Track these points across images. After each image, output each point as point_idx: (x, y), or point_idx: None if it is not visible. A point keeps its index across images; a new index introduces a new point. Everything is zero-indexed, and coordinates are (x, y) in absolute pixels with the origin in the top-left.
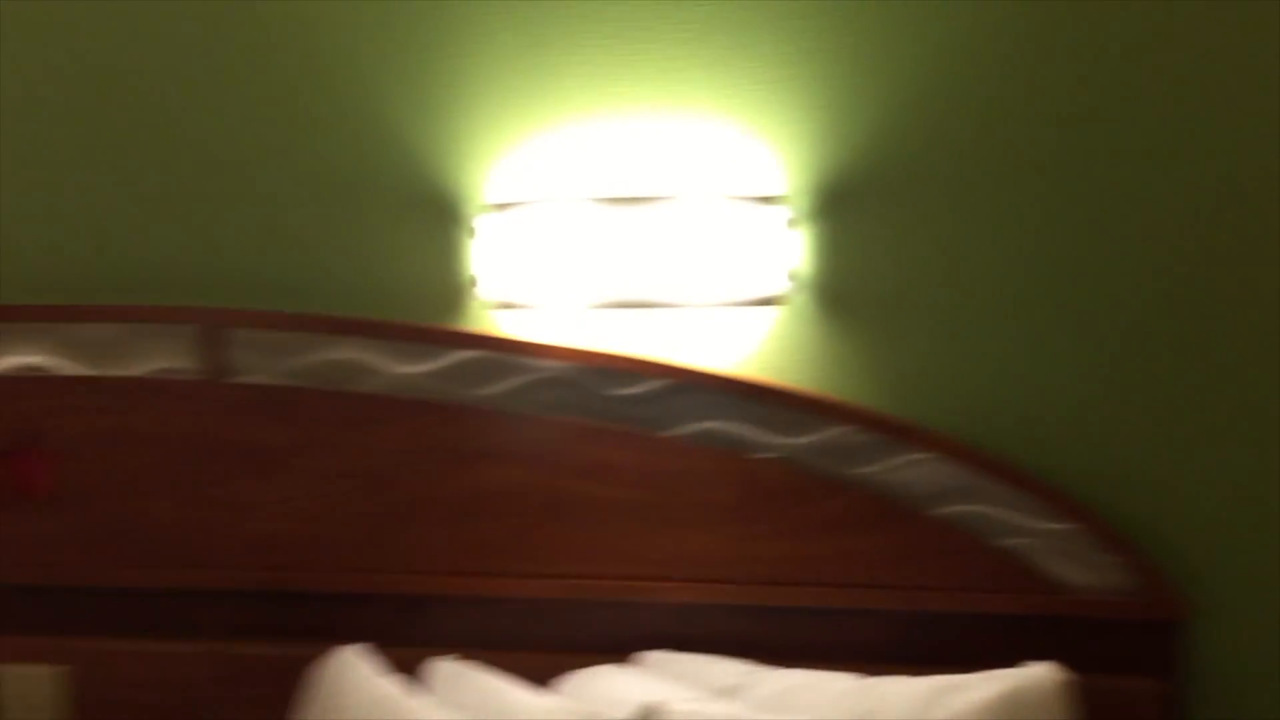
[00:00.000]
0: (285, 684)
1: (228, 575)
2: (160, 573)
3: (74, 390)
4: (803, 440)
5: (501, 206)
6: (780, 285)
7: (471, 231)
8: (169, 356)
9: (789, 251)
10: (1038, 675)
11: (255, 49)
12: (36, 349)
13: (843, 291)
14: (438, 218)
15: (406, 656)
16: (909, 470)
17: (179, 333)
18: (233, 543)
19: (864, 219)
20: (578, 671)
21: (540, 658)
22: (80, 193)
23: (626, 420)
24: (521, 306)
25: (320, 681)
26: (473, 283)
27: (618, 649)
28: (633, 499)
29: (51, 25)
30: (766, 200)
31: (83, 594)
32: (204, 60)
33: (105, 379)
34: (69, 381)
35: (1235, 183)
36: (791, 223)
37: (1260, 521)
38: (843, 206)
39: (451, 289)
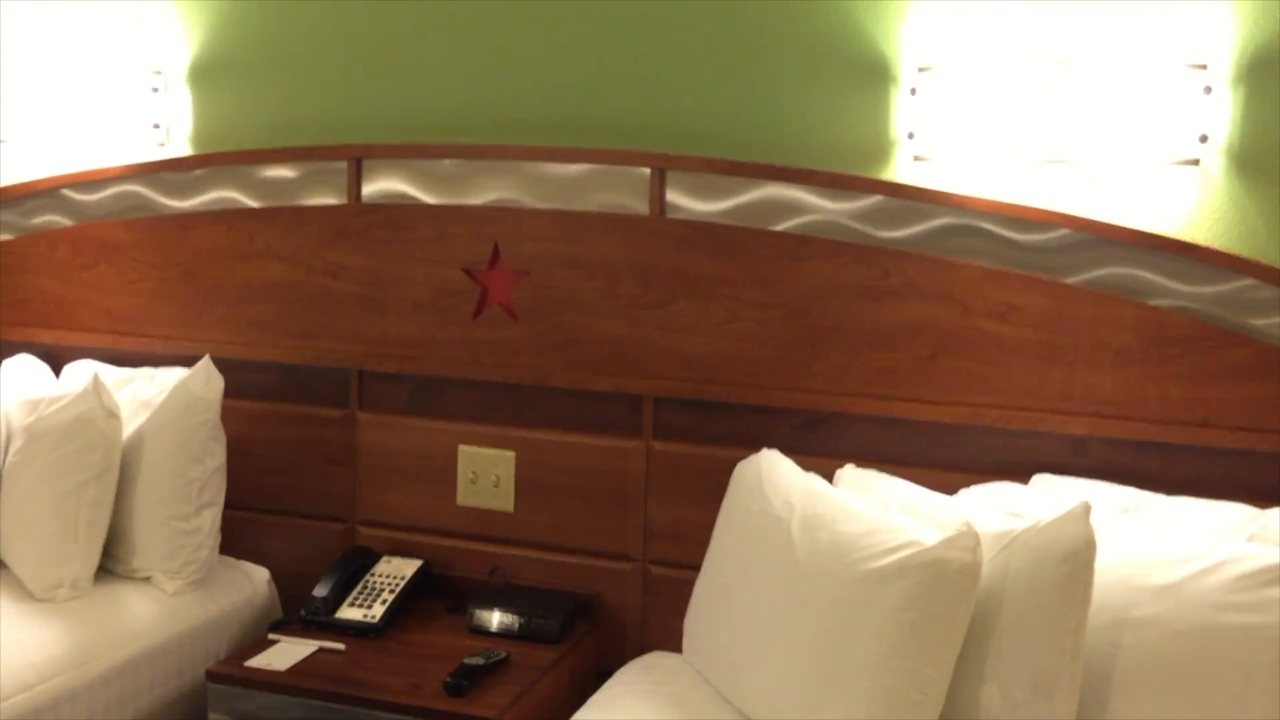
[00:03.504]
0: (703, 479)
1: (660, 385)
2: (601, 379)
3: (538, 220)
4: (1205, 290)
5: (925, 68)
6: (1196, 148)
7: (899, 89)
8: (621, 194)
9: (1209, 116)
10: None
11: None
12: (507, 185)
13: (1259, 156)
14: (869, 76)
15: (812, 465)
16: None
17: (630, 174)
18: (666, 357)
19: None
20: (973, 488)
21: (938, 474)
22: (547, 52)
23: (1032, 266)
24: (943, 159)
25: (746, 475)
26: (899, 136)
27: (1010, 473)
28: (1035, 338)
29: None
30: (1192, 66)
31: (533, 391)
32: None
33: (564, 211)
34: (534, 213)
35: None
36: (1212, 88)
37: None
38: (1267, 73)
39: (880, 142)
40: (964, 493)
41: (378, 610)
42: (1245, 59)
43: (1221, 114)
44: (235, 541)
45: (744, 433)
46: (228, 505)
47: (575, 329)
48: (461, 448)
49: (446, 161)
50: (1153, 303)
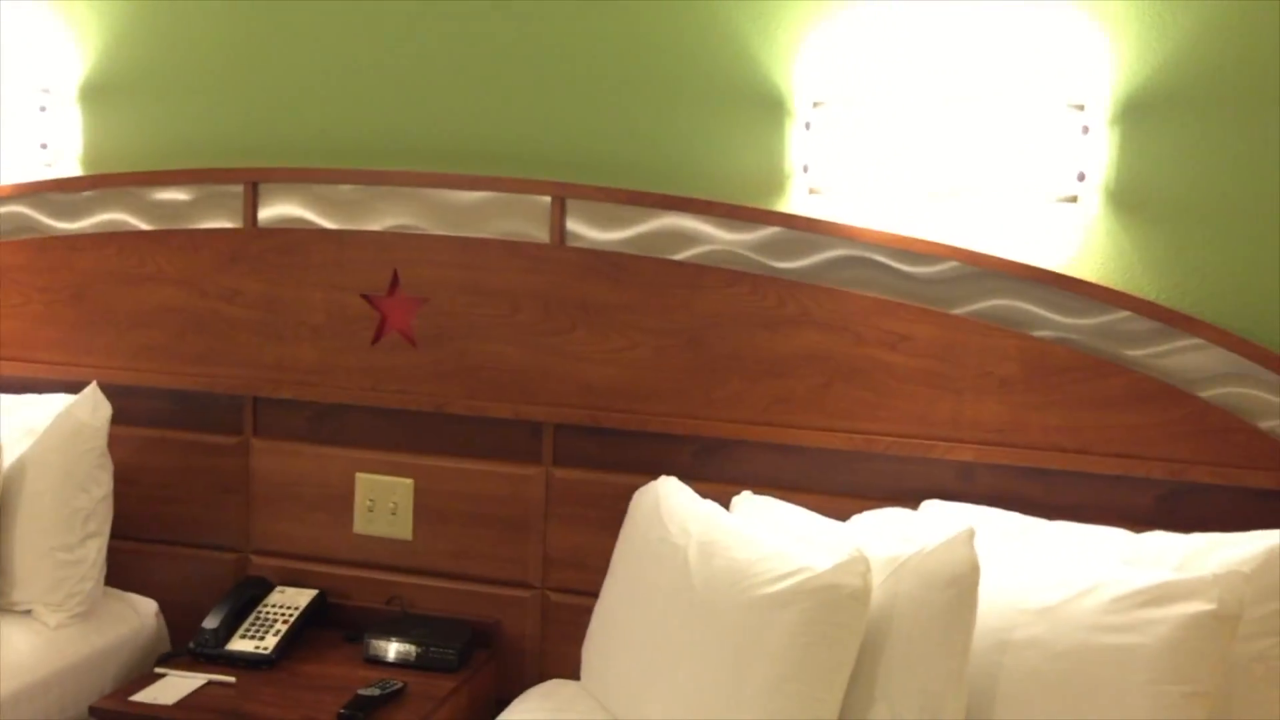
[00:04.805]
0: (602, 506)
1: (559, 412)
2: (501, 405)
3: (438, 247)
4: (1085, 322)
5: (819, 104)
6: (1075, 185)
7: (794, 123)
8: (521, 221)
9: (1087, 155)
10: None
11: None
12: (407, 212)
13: (1133, 193)
14: (764, 110)
15: (708, 491)
16: (1181, 356)
17: (531, 202)
18: (566, 384)
19: (1161, 126)
20: (865, 513)
21: (832, 500)
22: (448, 80)
23: (923, 298)
24: (836, 192)
25: (644, 502)
26: (794, 169)
27: (900, 499)
28: (925, 368)
29: None
30: (1072, 106)
31: (432, 418)
32: None
33: (465, 238)
34: (434, 240)
35: None
36: (1090, 128)
37: None
38: (1141, 114)
39: (776, 174)
40: (856, 518)
41: (270, 641)
42: (1120, 101)
43: (1099, 153)
44: (122, 573)
45: (643, 459)
46: (115, 535)
47: (475, 356)
48: (359, 475)
49: (345, 187)
50: (1036, 334)
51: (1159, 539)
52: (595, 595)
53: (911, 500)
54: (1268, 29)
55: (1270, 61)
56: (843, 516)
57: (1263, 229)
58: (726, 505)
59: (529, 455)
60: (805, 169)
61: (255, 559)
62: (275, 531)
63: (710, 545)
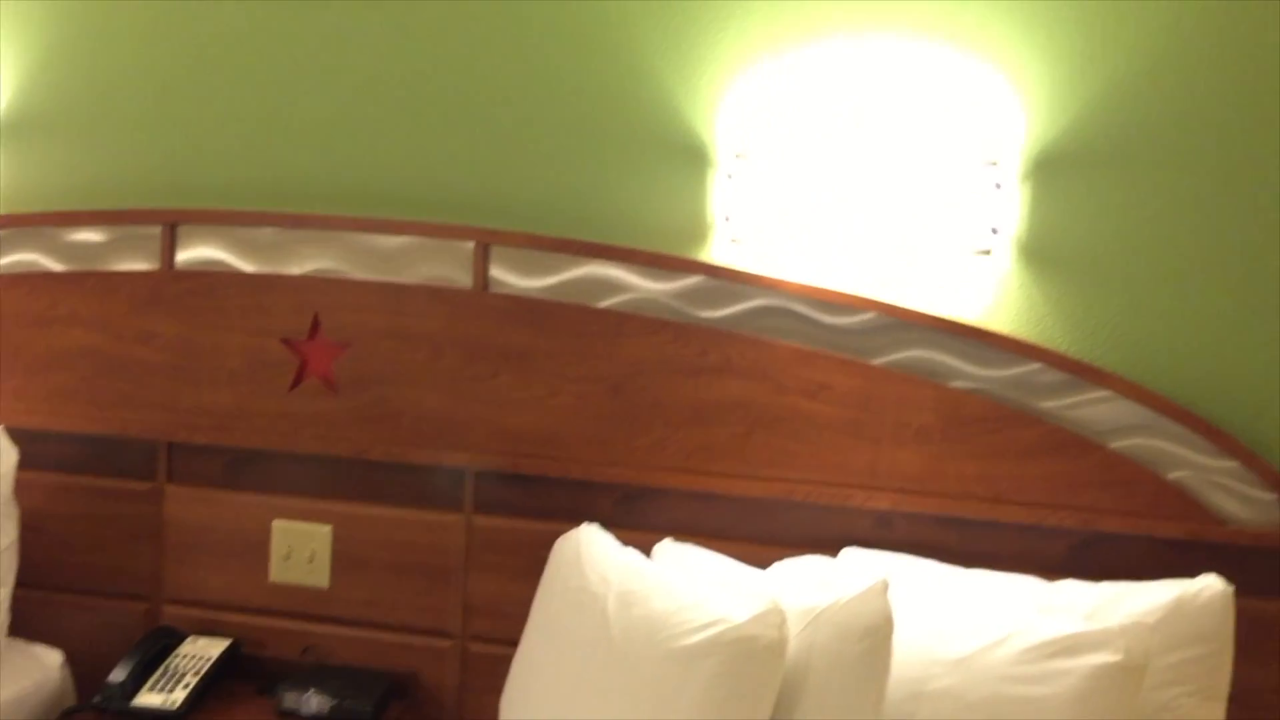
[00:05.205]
0: (524, 554)
1: (481, 458)
2: (422, 452)
3: (360, 291)
4: (999, 374)
5: (741, 155)
6: (989, 239)
7: (716, 173)
8: (444, 267)
9: (1000, 210)
10: (1205, 585)
11: (530, 7)
12: (328, 255)
13: (1045, 247)
14: (687, 160)
15: (631, 539)
16: (1092, 407)
17: (454, 247)
18: (489, 430)
19: (1071, 183)
20: (785, 561)
21: (753, 548)
22: (371, 123)
23: (841, 347)
24: (758, 242)
25: (565, 551)
26: (715, 219)
27: (820, 547)
28: (844, 416)
29: None
30: (986, 163)
31: (352, 464)
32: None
33: (387, 283)
34: (356, 285)
35: None
36: (1002, 185)
37: None
38: (1052, 171)
39: (699, 224)
40: (776, 566)
41: (179, 695)
42: (1032, 158)
43: (1012, 208)
44: (27, 622)
45: (565, 507)
46: (20, 584)
47: (396, 401)
48: (276, 522)
49: (266, 229)
50: (952, 384)
51: (1071, 588)
52: (516, 644)
53: (831, 548)
54: (1173, 90)
55: (1173, 121)
56: (764, 564)
57: (1169, 283)
58: (649, 553)
59: (450, 502)
60: (727, 219)
61: (168, 608)
62: (189, 580)
63: (629, 595)
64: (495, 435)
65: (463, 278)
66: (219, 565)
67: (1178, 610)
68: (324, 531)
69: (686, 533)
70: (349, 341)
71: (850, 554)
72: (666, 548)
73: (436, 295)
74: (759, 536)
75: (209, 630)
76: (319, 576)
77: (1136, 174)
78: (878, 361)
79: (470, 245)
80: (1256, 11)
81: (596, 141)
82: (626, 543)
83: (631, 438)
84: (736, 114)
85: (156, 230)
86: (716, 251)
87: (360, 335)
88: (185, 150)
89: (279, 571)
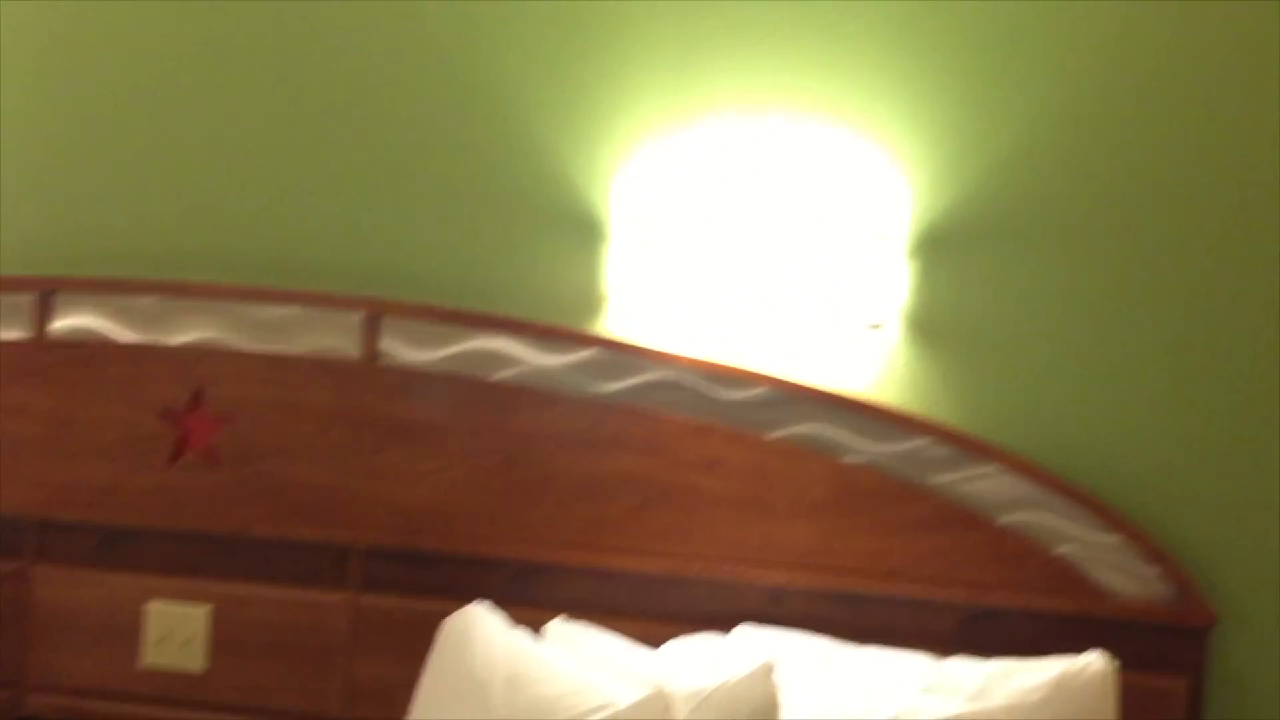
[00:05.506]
0: (412, 635)
1: (369, 534)
2: (308, 528)
3: (244, 362)
4: (889, 448)
5: (634, 228)
6: (879, 314)
7: (609, 246)
8: (332, 337)
9: (889, 285)
10: (1087, 663)
11: (425, 74)
12: (212, 325)
13: (931, 322)
14: (581, 232)
15: (523, 617)
16: (980, 481)
17: (343, 318)
18: (376, 506)
19: (957, 259)
20: (677, 639)
21: (647, 625)
22: (256, 188)
23: (734, 421)
24: (649, 314)
25: (453, 632)
26: (609, 292)
27: (714, 623)
28: (738, 491)
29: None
30: (877, 237)
31: (234, 541)
32: (378, 89)
33: (273, 355)
34: (240, 355)
35: None
36: (892, 260)
37: None
38: (937, 247)
39: (592, 296)
40: (667, 646)
41: None
42: (918, 235)
43: (900, 283)
44: None
45: (456, 584)
46: None
47: (281, 476)
48: (150, 604)
49: (146, 298)
50: (844, 459)
51: (958, 666)
52: None
53: (725, 624)
54: (1056, 167)
55: (1057, 198)
56: (657, 642)
57: (1054, 357)
58: (540, 631)
59: (335, 581)
60: (621, 291)
61: (32, 696)
62: (55, 665)
63: (516, 679)
64: (383, 511)
65: (351, 349)
66: (89, 650)
67: (1061, 688)
68: (201, 613)
69: (579, 610)
70: (232, 414)
71: (743, 631)
72: (558, 627)
73: (324, 367)
74: (652, 613)
75: None
76: (195, 660)
77: (1021, 249)
78: (771, 436)
79: (360, 316)
80: (1138, 91)
81: (490, 212)
82: (518, 621)
83: (523, 513)
84: (631, 188)
85: (30, 298)
86: (610, 325)
87: (244, 407)
88: (62, 214)
89: (153, 655)
